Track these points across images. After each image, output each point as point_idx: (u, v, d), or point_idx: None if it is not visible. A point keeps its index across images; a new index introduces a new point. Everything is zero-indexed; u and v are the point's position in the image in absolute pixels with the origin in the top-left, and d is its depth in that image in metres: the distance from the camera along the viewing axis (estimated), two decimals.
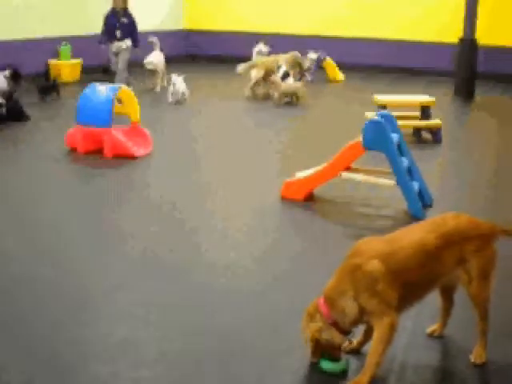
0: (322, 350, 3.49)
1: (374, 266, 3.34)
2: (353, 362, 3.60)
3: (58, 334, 3.95)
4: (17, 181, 7.33)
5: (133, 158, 8.15)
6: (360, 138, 6.31)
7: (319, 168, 6.59)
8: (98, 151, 8.30)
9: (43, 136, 9.53)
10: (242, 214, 6.32)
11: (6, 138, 9.29)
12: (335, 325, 3.41)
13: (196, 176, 7.60)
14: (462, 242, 3.55)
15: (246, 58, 14.88)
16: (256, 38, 16.84)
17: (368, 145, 6.25)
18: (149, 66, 13.31)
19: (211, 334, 4.00)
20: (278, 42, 17.42)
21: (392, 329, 3.33)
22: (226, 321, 4.17)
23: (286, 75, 12.75)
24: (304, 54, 14.90)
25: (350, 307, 3.36)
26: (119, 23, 13.25)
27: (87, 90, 8.67)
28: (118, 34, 13.22)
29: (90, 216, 6.23)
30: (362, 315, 3.38)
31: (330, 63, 15.96)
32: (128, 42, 13.29)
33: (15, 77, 10.70)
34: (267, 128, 10.54)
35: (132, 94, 8.75)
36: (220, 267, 5.01)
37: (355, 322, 3.44)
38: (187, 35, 19.59)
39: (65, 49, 14.93)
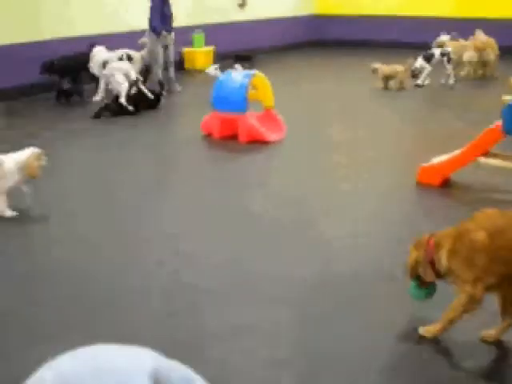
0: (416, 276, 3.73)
1: (480, 236, 3.39)
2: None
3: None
4: (153, 164, 7.72)
5: (266, 143, 8.33)
6: (499, 123, 6.15)
7: (456, 153, 6.49)
8: (233, 137, 8.54)
9: (180, 122, 9.94)
10: (377, 198, 6.33)
11: (146, 123, 9.77)
12: (432, 263, 3.60)
13: (329, 161, 7.67)
14: None
15: (376, 43, 14.77)
16: (385, 20, 16.63)
17: (508, 129, 6.08)
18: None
19: (339, 315, 4.07)
20: (407, 25, 17.17)
21: (471, 301, 3.42)
22: (357, 305, 4.24)
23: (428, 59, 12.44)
24: (435, 36, 14.56)
25: (443, 261, 3.54)
26: (170, 13, 11.90)
27: (222, 77, 8.93)
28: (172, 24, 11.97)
29: (219, 199, 6.43)
30: (450, 274, 3.54)
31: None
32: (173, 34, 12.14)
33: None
34: (401, 113, 10.45)
35: (266, 79, 8.90)
36: (354, 251, 5.08)
37: (447, 274, 3.58)
38: (318, 20, 19.59)
39: (198, 37, 15.37)
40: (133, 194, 6.55)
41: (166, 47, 11.92)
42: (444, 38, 14.60)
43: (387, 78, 12.17)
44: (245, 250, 5.15)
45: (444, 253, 3.51)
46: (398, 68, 12.14)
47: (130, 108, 9.95)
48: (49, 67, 10.93)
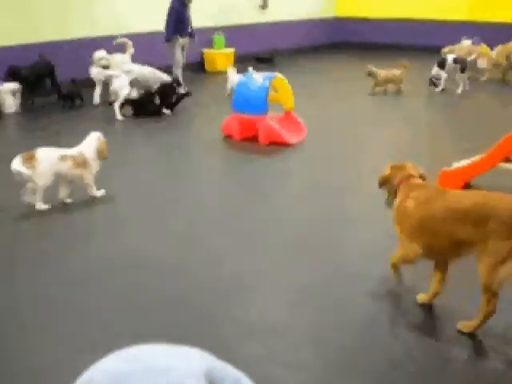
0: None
1: (410, 204, 3.98)
2: None
3: (217, 310, 4.20)
4: (172, 163, 7.74)
5: (286, 145, 8.32)
6: None
7: (477, 158, 6.45)
8: (254, 138, 8.54)
9: (200, 123, 9.95)
10: None
11: (166, 123, 9.82)
12: (395, 192, 4.20)
13: (349, 164, 7.65)
14: (490, 221, 3.57)
15: (396, 46, 14.74)
16: (407, 25, 16.57)
17: None
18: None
19: (365, 319, 4.07)
20: (431, 30, 17.10)
21: (403, 258, 4.09)
22: (379, 307, 4.23)
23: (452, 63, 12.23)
24: (457, 41, 14.51)
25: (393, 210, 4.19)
26: (187, 16, 12.09)
27: (243, 79, 8.93)
28: (189, 28, 12.19)
29: (237, 201, 6.46)
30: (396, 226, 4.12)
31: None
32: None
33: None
34: (421, 117, 10.41)
35: (286, 82, 8.89)
36: (375, 255, 5.05)
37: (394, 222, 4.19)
38: (338, 22, 19.57)
39: (219, 38, 15.41)
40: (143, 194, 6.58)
41: (182, 48, 12.18)
42: (466, 42, 14.56)
43: (386, 82, 12.19)
44: (251, 250, 5.17)
45: (398, 199, 4.13)
46: (396, 72, 12.17)
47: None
48: (14, 73, 10.59)
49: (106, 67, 11.07)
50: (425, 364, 3.55)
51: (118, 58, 11.47)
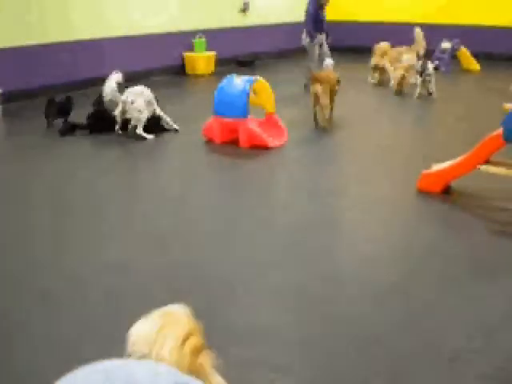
0: None
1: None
2: None
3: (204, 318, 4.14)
4: (155, 169, 7.71)
5: (267, 148, 8.32)
6: (500, 131, 6.14)
7: (457, 160, 6.48)
8: (234, 142, 8.53)
9: (181, 128, 9.87)
10: (379, 205, 6.31)
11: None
12: None
13: (331, 167, 7.66)
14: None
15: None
16: (391, 28, 16.64)
17: (509, 137, 6.06)
18: None
19: (350, 322, 4.07)
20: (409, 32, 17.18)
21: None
22: (363, 311, 4.22)
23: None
24: (437, 43, 14.57)
25: None
26: (323, 17, 13.32)
27: (224, 82, 8.90)
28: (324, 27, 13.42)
29: (221, 204, 6.47)
30: None
31: (464, 52, 15.49)
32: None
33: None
34: (402, 120, 10.44)
35: (267, 85, 8.89)
36: (357, 259, 5.06)
37: None
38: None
39: (200, 41, 15.38)
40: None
41: (320, 45, 13.25)
42: (445, 44, 14.66)
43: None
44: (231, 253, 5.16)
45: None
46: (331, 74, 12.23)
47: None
48: None
49: None
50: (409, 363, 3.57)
51: None
